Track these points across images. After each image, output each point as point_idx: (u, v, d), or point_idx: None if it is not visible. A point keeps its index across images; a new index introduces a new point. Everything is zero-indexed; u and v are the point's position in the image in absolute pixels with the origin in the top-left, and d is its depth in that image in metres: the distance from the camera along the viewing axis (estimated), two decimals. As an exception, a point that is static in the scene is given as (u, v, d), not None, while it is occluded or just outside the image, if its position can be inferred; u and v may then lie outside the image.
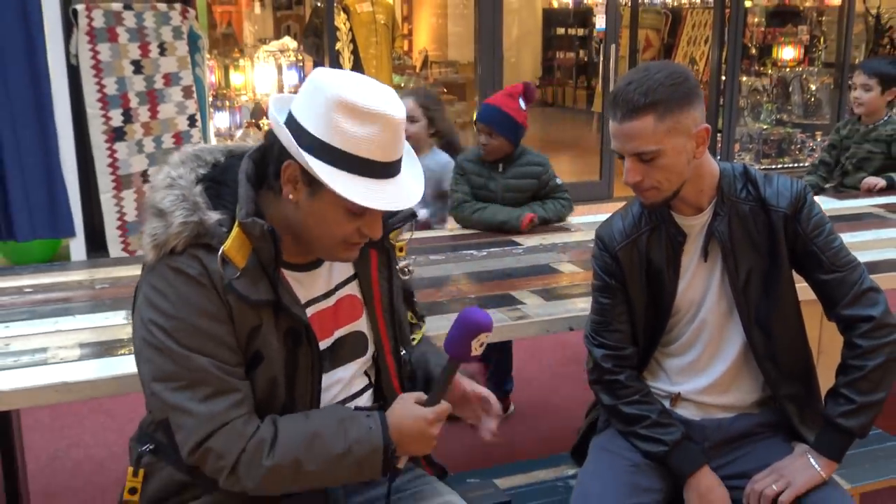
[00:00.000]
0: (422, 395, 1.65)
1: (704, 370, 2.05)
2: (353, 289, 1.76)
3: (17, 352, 2.12)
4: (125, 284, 2.68)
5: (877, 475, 2.20)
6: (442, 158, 3.71)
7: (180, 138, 5.81)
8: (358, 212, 1.52)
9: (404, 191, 1.57)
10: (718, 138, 7.78)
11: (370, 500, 1.80)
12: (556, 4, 12.77)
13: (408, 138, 1.63)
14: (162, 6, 5.64)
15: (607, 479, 1.98)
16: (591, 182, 7.38)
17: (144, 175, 5.52)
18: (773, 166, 8.15)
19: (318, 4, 8.14)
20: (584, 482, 2.02)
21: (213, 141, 6.57)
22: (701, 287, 2.02)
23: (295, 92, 1.62)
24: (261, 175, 1.60)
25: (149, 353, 1.52)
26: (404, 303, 1.88)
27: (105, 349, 2.15)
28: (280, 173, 1.53)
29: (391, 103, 1.51)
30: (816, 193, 4.12)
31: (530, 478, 2.23)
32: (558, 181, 3.42)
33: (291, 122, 1.52)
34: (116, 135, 5.31)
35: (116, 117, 5.30)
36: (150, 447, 1.65)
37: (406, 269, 1.85)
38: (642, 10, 9.38)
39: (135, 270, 2.82)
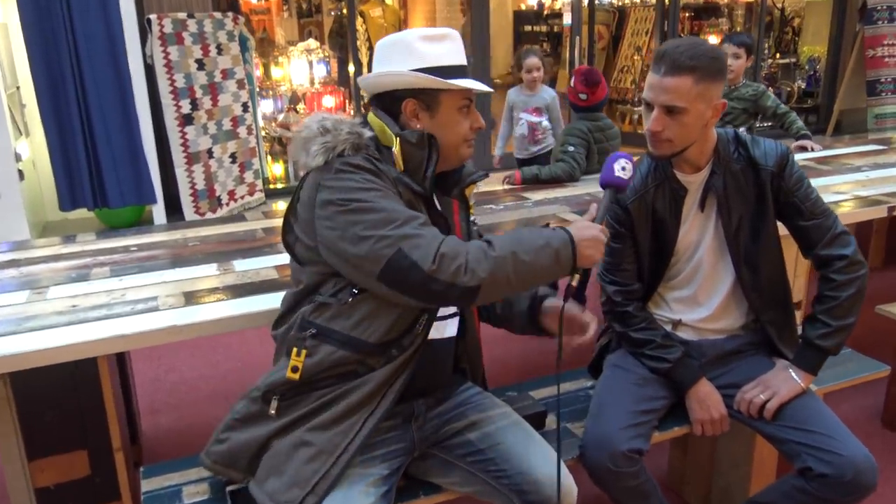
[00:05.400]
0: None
1: (703, 302, 1.93)
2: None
3: (133, 301, 1.99)
4: (212, 241, 2.54)
5: (836, 379, 2.09)
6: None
7: (237, 121, 5.61)
8: (465, 106, 1.56)
9: (481, 84, 1.58)
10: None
11: (441, 413, 1.69)
12: (523, 7, 12.41)
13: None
14: (217, 15, 5.40)
15: (620, 390, 1.88)
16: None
17: (210, 152, 5.33)
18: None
19: (342, 11, 7.87)
20: (601, 393, 1.91)
21: (261, 123, 6.36)
22: (697, 232, 1.89)
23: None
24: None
25: (358, 218, 1.41)
26: None
27: (196, 297, 2.00)
28: (401, 114, 1.55)
29: (447, 29, 1.57)
30: None
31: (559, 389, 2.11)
32: (570, 148, 3.24)
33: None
34: (186, 120, 5.11)
35: (185, 106, 5.09)
36: (313, 331, 1.51)
37: (474, 222, 1.75)
38: (596, 9, 9.08)
39: (217, 230, 2.68)
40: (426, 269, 1.36)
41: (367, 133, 1.52)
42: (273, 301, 1.93)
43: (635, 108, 7.90)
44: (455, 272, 1.36)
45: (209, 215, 5.33)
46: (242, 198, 5.78)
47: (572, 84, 3.29)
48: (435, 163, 1.53)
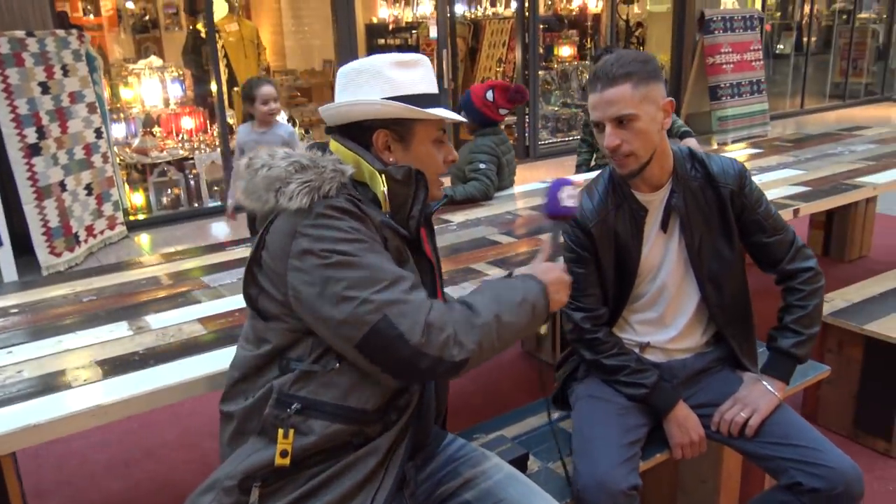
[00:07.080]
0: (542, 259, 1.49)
1: (670, 323, 1.88)
2: None
3: (35, 378, 1.65)
4: (110, 294, 2.20)
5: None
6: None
7: (90, 149, 5.08)
8: (439, 139, 1.44)
9: (456, 114, 1.48)
10: (526, 120, 7.74)
11: (432, 473, 1.53)
12: (375, 20, 12.28)
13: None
14: (61, 32, 4.88)
15: (603, 422, 1.78)
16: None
17: (62, 184, 4.78)
18: (566, 139, 8.20)
19: (191, 27, 7.40)
20: (584, 428, 1.80)
21: (115, 149, 5.80)
22: (660, 253, 1.84)
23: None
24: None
25: (340, 274, 1.23)
26: None
27: (115, 366, 1.71)
28: (371, 147, 1.39)
29: (419, 55, 1.45)
30: (590, 169, 3.99)
31: (525, 426, 1.97)
32: (481, 166, 3.14)
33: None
34: (33, 150, 4.55)
35: (31, 135, 4.54)
36: (297, 406, 1.28)
37: None
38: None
39: (111, 280, 2.33)
40: (414, 342, 1.20)
41: (349, 170, 1.34)
42: (213, 362, 1.68)
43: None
44: (443, 345, 1.22)
45: (66, 255, 4.78)
46: (102, 233, 5.24)
47: (491, 98, 3.18)
48: (423, 201, 1.39)
